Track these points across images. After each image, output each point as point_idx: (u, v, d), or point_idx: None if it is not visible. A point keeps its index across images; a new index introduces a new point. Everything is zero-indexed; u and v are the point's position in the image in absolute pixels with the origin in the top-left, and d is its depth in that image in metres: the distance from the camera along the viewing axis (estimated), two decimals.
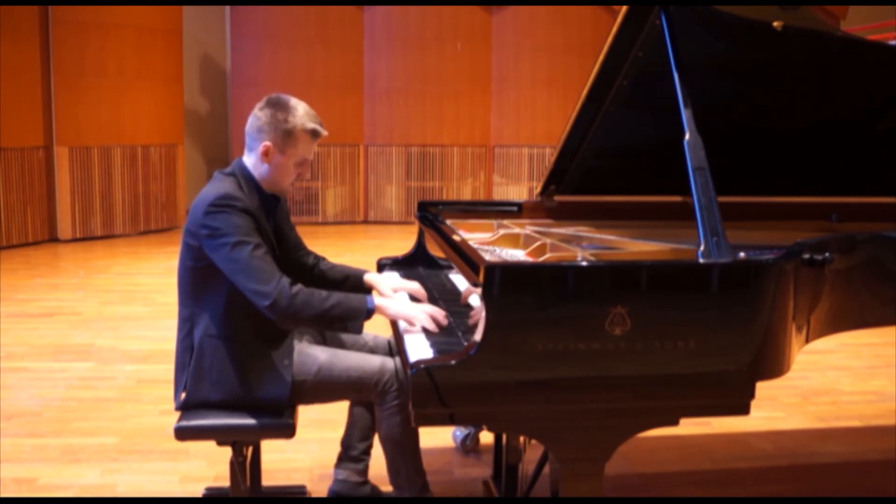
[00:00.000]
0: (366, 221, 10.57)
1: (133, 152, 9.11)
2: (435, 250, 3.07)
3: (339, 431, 2.94)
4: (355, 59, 10.30)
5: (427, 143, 10.54)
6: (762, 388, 2.16)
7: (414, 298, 2.68)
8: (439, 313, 2.45)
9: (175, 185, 9.62)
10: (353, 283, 2.80)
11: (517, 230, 2.98)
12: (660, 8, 2.49)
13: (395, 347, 2.61)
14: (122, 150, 9.00)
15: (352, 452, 2.90)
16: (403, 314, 2.48)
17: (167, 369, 3.27)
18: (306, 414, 2.98)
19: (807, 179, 3.21)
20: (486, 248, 2.81)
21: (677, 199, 3.19)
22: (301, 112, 2.53)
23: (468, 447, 3.50)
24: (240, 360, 2.50)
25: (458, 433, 3.54)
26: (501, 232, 3.00)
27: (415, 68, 10.36)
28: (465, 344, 2.19)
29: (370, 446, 2.90)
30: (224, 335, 2.51)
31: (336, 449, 2.95)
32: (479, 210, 3.31)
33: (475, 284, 2.24)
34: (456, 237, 2.61)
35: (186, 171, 9.96)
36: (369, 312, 2.46)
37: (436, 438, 3.51)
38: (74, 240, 8.72)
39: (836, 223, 3.25)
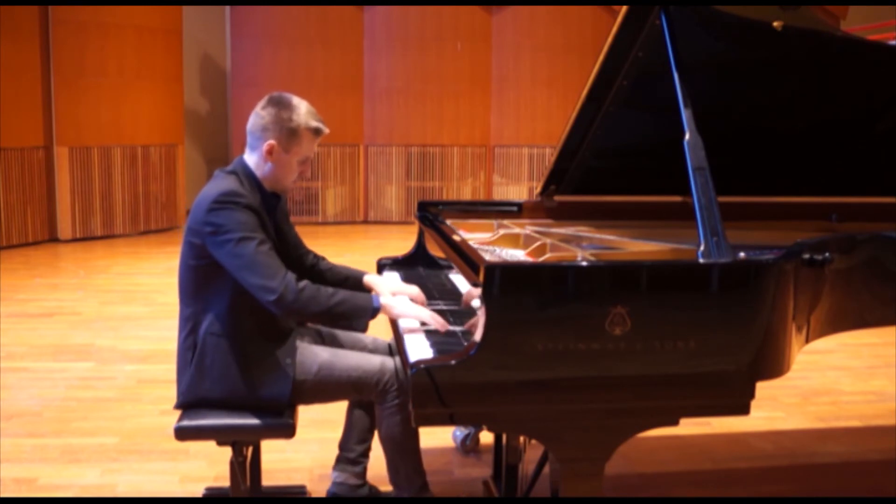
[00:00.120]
0: (366, 221, 10.57)
1: (133, 152, 9.11)
2: (435, 250, 3.07)
3: (339, 431, 2.94)
4: (355, 59, 10.30)
5: (427, 143, 10.54)
6: (762, 388, 2.16)
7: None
8: (440, 319, 2.45)
9: (175, 185, 9.62)
10: (353, 284, 2.80)
11: (517, 230, 2.98)
12: (660, 8, 2.49)
13: (395, 349, 2.61)
14: (122, 150, 9.00)
15: (349, 455, 2.89)
16: (410, 313, 2.48)
17: (167, 369, 3.28)
18: (306, 414, 2.98)
19: (807, 179, 3.21)
20: (486, 248, 2.80)
21: (677, 199, 3.19)
22: (304, 110, 2.54)
23: (468, 447, 3.50)
24: (243, 358, 2.50)
25: (458, 433, 3.53)
26: (501, 232, 3.00)
27: (415, 68, 10.35)
28: (465, 344, 2.19)
29: (368, 449, 2.90)
30: (227, 333, 2.50)
31: (336, 449, 2.95)
32: (479, 210, 3.31)
33: (475, 284, 2.24)
34: (456, 237, 2.61)
35: (186, 171, 9.96)
36: (375, 311, 2.46)
37: (436, 438, 3.50)
38: (74, 240, 8.72)
39: (836, 223, 3.25)
